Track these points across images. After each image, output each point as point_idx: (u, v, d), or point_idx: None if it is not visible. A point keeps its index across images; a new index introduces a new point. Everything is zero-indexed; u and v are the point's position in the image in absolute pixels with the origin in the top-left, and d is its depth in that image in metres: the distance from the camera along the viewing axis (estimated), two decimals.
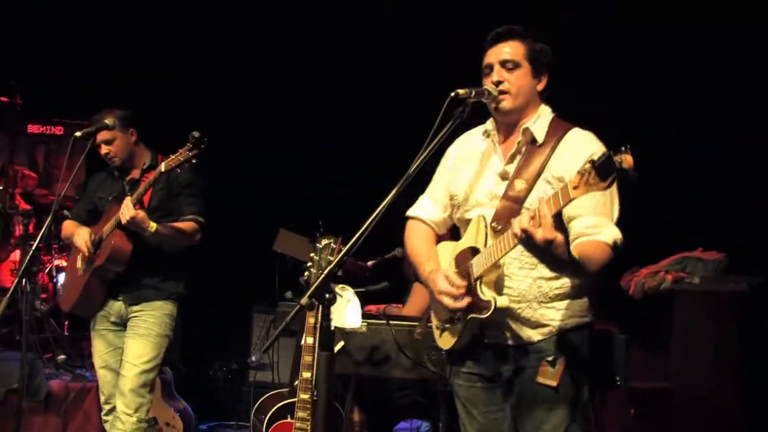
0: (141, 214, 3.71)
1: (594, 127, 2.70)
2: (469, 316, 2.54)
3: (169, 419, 5.01)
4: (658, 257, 5.09)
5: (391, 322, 3.79)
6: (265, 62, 6.67)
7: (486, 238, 2.55)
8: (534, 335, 2.63)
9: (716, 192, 5.19)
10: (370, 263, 5.02)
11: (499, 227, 2.55)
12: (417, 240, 2.91)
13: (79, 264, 4.02)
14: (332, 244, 3.25)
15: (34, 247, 3.65)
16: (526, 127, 2.66)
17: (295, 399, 3.43)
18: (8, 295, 3.53)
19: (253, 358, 6.07)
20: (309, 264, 3.39)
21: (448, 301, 2.58)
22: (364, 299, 3.92)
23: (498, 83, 2.65)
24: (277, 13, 6.63)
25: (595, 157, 2.09)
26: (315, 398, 3.45)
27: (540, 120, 2.69)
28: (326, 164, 6.64)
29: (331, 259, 3.23)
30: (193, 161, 3.65)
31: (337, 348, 3.55)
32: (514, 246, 2.38)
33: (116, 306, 3.99)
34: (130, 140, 4.04)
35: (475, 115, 2.74)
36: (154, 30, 6.70)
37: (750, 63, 5.15)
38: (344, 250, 2.48)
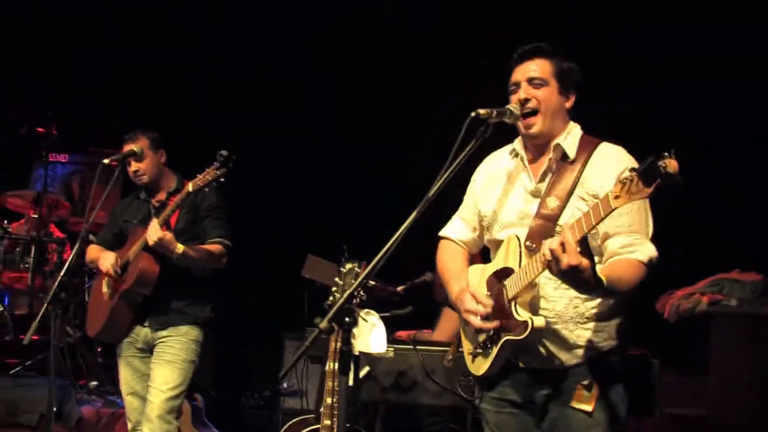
0: (168, 235, 3.72)
1: (594, 127, 2.67)
2: (503, 339, 2.49)
3: None
4: (690, 278, 4.98)
5: (418, 347, 3.75)
6: (265, 62, 6.69)
7: (520, 257, 2.51)
8: (570, 358, 2.57)
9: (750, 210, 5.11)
10: (400, 288, 4.98)
11: (534, 246, 2.50)
12: (447, 260, 2.89)
13: (104, 289, 4.04)
14: (356, 269, 3.21)
15: (62, 274, 3.68)
16: (557, 143, 2.62)
17: (319, 425, 3.39)
18: (36, 321, 3.56)
19: (285, 385, 6.04)
20: (334, 289, 3.36)
21: (474, 320, 2.55)
22: (390, 324, 3.87)
23: (525, 101, 2.62)
24: (278, 13, 6.66)
25: (637, 165, 2.07)
26: None
27: (570, 136, 2.65)
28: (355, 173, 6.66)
29: (363, 285, 3.20)
30: (221, 180, 3.67)
31: (362, 373, 3.51)
32: (545, 268, 2.33)
33: (143, 332, 3.99)
34: (159, 161, 4.08)
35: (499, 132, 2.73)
36: (154, 30, 6.77)
37: (750, 63, 5.08)
38: (363, 274, 2.46)
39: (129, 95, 5.40)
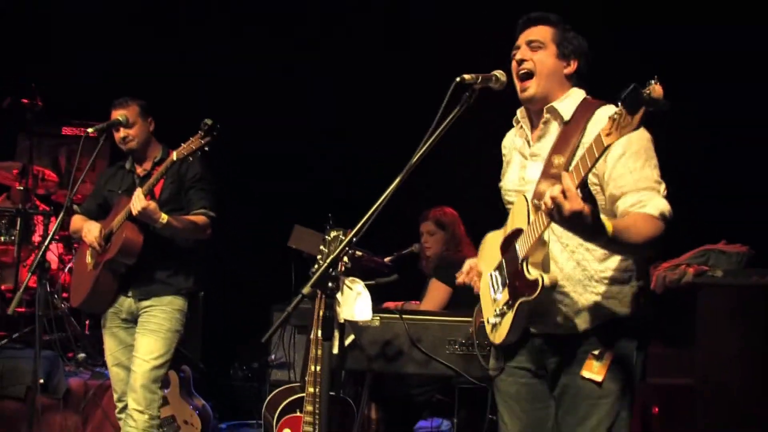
0: (152, 204, 3.70)
1: None
2: (518, 302, 2.45)
3: (188, 417, 5.01)
4: (677, 249, 4.99)
5: (404, 316, 3.75)
6: (266, 62, 6.67)
7: (528, 215, 2.47)
8: (581, 323, 2.54)
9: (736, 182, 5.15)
10: (387, 259, 4.99)
11: (540, 202, 2.43)
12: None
13: (88, 259, 4.02)
14: (341, 236, 3.21)
15: (46, 244, 3.67)
16: (551, 105, 2.62)
17: (304, 393, 3.40)
18: (20, 291, 3.55)
19: (273, 357, 6.06)
20: (319, 257, 3.36)
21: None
22: (377, 294, 3.88)
23: (521, 62, 2.64)
24: (276, 12, 6.63)
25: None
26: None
27: (568, 99, 2.63)
28: (343, 162, 6.66)
29: (345, 251, 3.19)
30: (206, 149, 3.65)
31: (347, 341, 3.52)
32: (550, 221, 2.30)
33: (126, 302, 3.98)
34: (148, 128, 4.07)
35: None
36: (155, 29, 6.73)
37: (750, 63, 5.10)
38: (346, 240, 2.45)
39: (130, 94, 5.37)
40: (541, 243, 2.41)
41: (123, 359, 4.00)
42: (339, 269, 3.18)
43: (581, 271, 2.54)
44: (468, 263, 2.85)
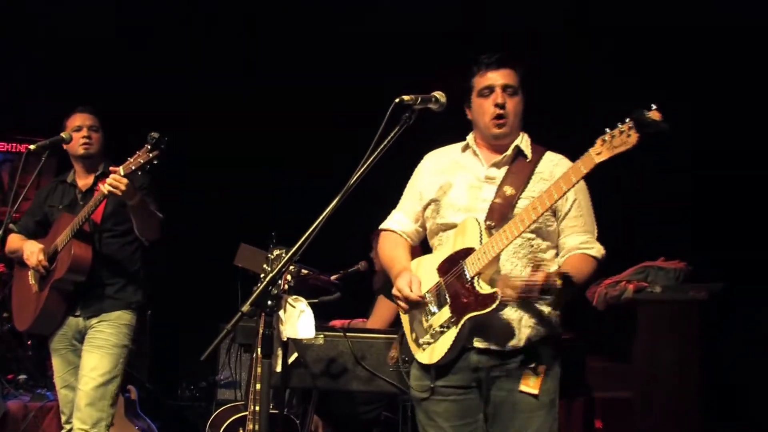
0: (125, 180, 3.51)
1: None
2: (465, 317, 2.55)
3: None
4: (619, 267, 5.11)
5: (348, 333, 3.77)
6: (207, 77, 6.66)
7: (481, 236, 2.60)
8: (522, 338, 2.66)
9: (674, 201, 5.30)
10: (333, 277, 5.00)
11: (494, 224, 2.63)
12: (389, 247, 2.97)
13: (32, 281, 3.88)
14: (284, 255, 3.22)
15: None
16: (516, 145, 2.80)
17: (248, 412, 3.39)
18: None
19: (221, 376, 6.02)
20: (262, 275, 3.37)
21: (399, 299, 2.71)
22: (323, 312, 3.90)
23: (501, 106, 2.76)
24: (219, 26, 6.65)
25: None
26: (271, 410, 3.42)
27: (524, 140, 2.84)
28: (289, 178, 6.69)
29: (283, 270, 3.20)
30: (155, 162, 3.49)
31: (291, 360, 3.52)
32: (516, 237, 2.52)
33: (74, 322, 3.84)
34: (103, 139, 3.97)
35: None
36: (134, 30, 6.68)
37: None
38: (284, 259, 2.47)
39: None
40: (495, 261, 2.57)
41: (72, 380, 3.86)
42: (281, 287, 3.20)
43: None
44: (410, 279, 2.77)
